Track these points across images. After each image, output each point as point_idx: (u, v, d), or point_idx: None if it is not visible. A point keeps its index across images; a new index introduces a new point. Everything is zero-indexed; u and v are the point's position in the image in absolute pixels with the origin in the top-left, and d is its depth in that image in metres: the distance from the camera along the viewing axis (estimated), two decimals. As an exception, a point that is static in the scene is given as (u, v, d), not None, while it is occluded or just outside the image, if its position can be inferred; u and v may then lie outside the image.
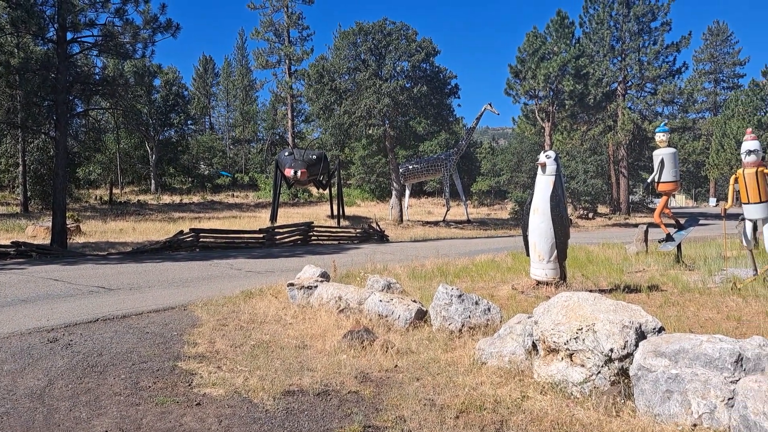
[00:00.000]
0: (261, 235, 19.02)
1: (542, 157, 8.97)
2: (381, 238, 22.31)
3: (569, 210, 39.40)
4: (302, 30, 42.25)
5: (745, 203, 9.86)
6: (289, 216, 30.24)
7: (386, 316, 6.42)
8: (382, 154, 39.55)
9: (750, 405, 3.02)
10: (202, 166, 56.79)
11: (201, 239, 17.22)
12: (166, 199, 39.08)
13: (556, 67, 32.38)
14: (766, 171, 9.71)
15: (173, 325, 6.79)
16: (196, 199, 39.73)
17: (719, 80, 69.96)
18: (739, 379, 3.26)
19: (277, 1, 41.34)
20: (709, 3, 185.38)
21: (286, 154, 26.59)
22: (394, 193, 30.82)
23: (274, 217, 25.44)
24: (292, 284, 7.96)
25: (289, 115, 43.51)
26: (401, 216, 30.83)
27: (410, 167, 34.07)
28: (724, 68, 69.69)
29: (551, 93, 34.42)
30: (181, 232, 17.27)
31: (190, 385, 4.64)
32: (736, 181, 9.96)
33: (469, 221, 34.07)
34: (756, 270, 9.92)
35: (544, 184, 8.89)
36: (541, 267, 8.92)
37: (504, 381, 4.49)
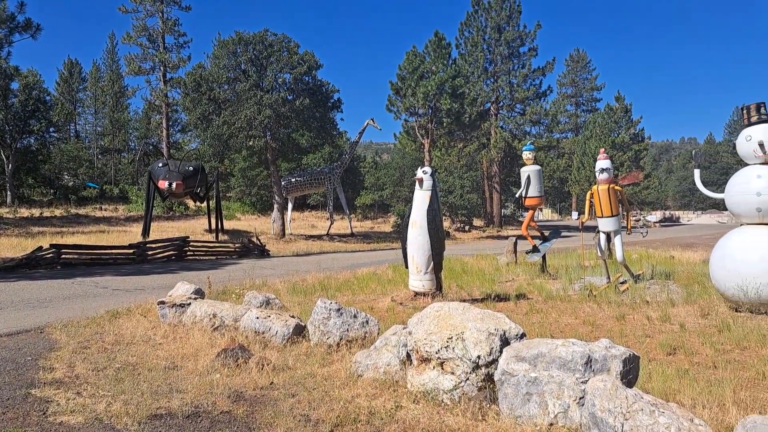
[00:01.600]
0: (131, 251, 17.92)
1: (419, 173, 9.26)
2: (261, 252, 21.86)
3: (447, 223, 41.01)
4: (178, 36, 40.62)
5: (599, 217, 10.79)
6: (163, 230, 28.80)
7: (263, 333, 6.29)
8: (264, 167, 38.90)
9: (597, 403, 3.29)
10: (66, 176, 52.62)
11: (63, 256, 15.88)
12: (24, 212, 35.77)
13: (434, 85, 33.66)
14: (616, 188, 10.70)
15: (27, 350, 6.21)
16: (58, 212, 36.71)
17: (580, 103, 76.31)
18: (589, 379, 3.55)
19: (151, 5, 39.49)
20: (570, 31, 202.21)
21: (161, 165, 25.33)
22: (276, 206, 30.37)
23: (146, 232, 24.09)
24: (163, 302, 7.57)
25: (164, 125, 41.56)
26: (283, 230, 30.42)
27: (293, 180, 33.76)
28: (584, 92, 76.14)
29: (430, 110, 35.72)
30: (39, 248, 15.84)
31: (44, 413, 4.26)
32: (591, 196, 10.88)
33: (352, 235, 34.33)
34: (609, 278, 10.87)
35: (421, 199, 9.18)
36: (418, 278, 9.17)
37: (379, 392, 4.56)
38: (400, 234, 10.10)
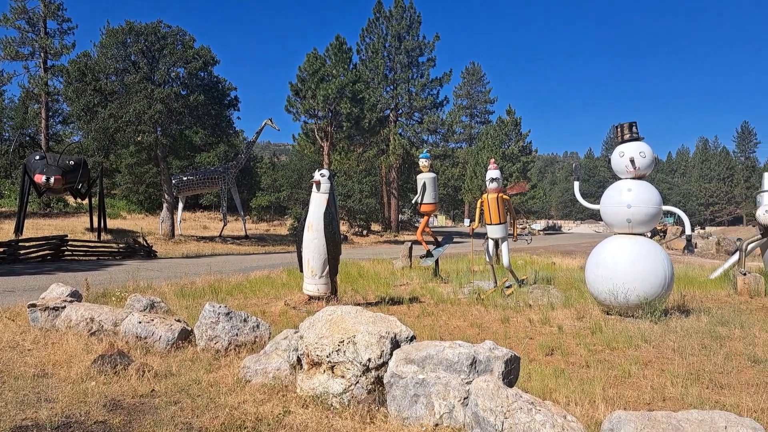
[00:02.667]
0: (1, 250, 16.45)
1: (317, 176, 9.21)
2: (148, 254, 20.79)
3: (344, 227, 41.10)
4: (62, 22, 37.79)
5: (488, 224, 11.25)
6: (39, 228, 26.65)
7: (146, 338, 5.97)
8: (153, 163, 37.05)
9: (480, 402, 3.41)
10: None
11: None
12: None
13: (334, 89, 33.67)
14: (504, 197, 11.20)
15: None
16: None
17: (474, 115, 79.46)
18: (473, 380, 3.68)
19: (32, -14, 36.53)
20: (466, 45, 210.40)
21: (38, 158, 23.39)
22: (165, 205, 28.98)
23: (19, 229, 22.16)
24: (34, 305, 6.99)
25: (43, 115, 38.49)
26: (173, 230, 29.11)
27: (185, 179, 32.44)
28: (478, 104, 79.40)
29: (330, 114, 35.69)
30: None
31: None
32: (482, 204, 11.33)
33: (247, 237, 33.49)
34: (496, 282, 11.36)
35: (318, 202, 9.13)
36: (313, 282, 9.10)
37: (267, 398, 4.46)
38: (296, 237, 9.98)
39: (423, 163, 13.44)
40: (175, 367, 5.27)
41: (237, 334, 5.87)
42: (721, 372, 5.61)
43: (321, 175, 9.17)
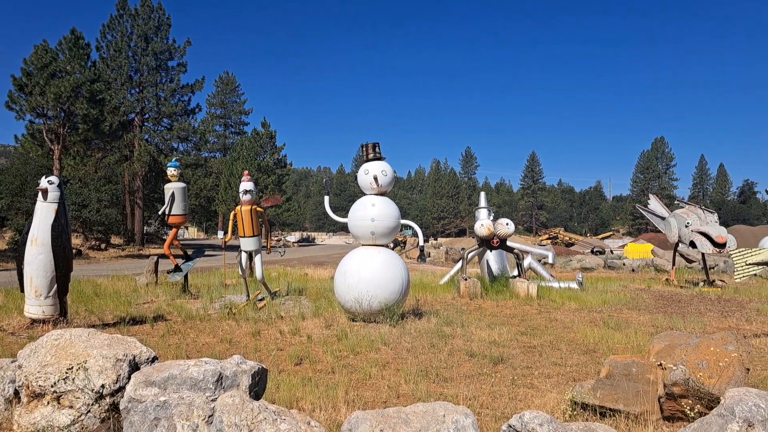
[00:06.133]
0: None
1: (44, 183, 8.18)
2: None
3: (78, 240, 36.86)
4: None
5: (241, 236, 11.15)
6: None
7: None
8: None
9: (225, 419, 3.36)
10: None
11: None
12: None
13: (68, 87, 30.16)
14: (258, 209, 11.23)
15: None
16: None
17: (228, 125, 77.95)
18: (218, 396, 3.61)
19: None
20: (219, 54, 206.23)
21: None
22: None
23: None
24: None
25: None
26: None
27: None
28: (233, 115, 78.12)
29: (62, 114, 31.82)
30: None
31: None
32: (235, 216, 11.19)
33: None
34: (248, 295, 11.29)
35: (45, 212, 8.10)
36: (37, 304, 8.03)
37: (-28, 443, 3.80)
38: (16, 252, 8.69)
39: (171, 171, 12.78)
40: None
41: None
42: (445, 367, 6.37)
43: (49, 182, 8.17)
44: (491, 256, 15.35)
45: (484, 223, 14.05)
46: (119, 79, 42.05)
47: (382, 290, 9.15)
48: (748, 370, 4.68)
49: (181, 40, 45.13)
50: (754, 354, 6.95)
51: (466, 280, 13.12)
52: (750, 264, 8.35)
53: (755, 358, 6.77)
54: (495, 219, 14.90)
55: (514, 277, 14.08)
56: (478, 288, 12.99)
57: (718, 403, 3.57)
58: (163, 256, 14.69)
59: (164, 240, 13.44)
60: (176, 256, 13.24)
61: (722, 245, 15.19)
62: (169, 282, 13.51)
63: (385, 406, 4.88)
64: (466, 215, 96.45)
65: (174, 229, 12.95)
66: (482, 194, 17.67)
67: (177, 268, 12.80)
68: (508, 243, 14.57)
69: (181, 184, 12.75)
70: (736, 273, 8.58)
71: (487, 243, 14.22)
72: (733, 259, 8.65)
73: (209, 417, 3.55)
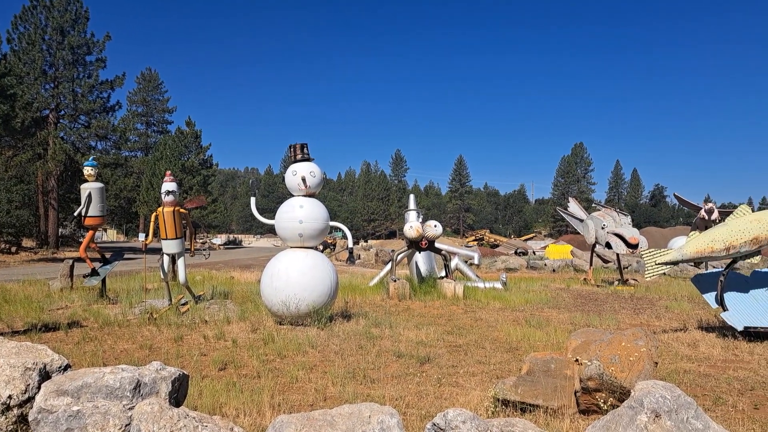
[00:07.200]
0: None
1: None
2: None
3: (-14, 243, 34.52)
4: None
5: (164, 239, 10.77)
6: None
7: None
8: None
9: (143, 427, 3.24)
10: None
11: None
12: None
13: (-25, 79, 28.27)
14: (182, 210, 10.89)
15: None
16: None
17: (151, 123, 75.21)
18: (136, 404, 3.47)
19: None
20: (141, 50, 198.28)
21: None
22: None
23: None
24: None
25: None
26: None
27: None
28: (155, 113, 75.43)
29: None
30: None
31: None
32: (156, 218, 10.79)
33: None
34: (171, 300, 10.93)
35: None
36: (-65, 312, 7.44)
37: None
38: None
39: (89, 171, 12.19)
40: None
41: None
42: (372, 368, 6.40)
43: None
44: (420, 258, 15.57)
45: (413, 225, 14.23)
46: (32, 73, 39.70)
47: (310, 293, 9.08)
48: (657, 363, 4.97)
49: (100, 34, 43.07)
50: (662, 348, 7.39)
51: (395, 281, 13.24)
52: (659, 263, 8.86)
53: (663, 352, 7.19)
54: (424, 221, 15.12)
55: (442, 277, 14.33)
56: (407, 289, 13.14)
57: (629, 395, 3.76)
58: (79, 259, 13.99)
59: (80, 243, 12.78)
60: (93, 260, 12.62)
61: (635, 246, 16.06)
62: (86, 287, 12.87)
63: (312, 409, 4.85)
64: (396, 217, 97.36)
65: (91, 232, 12.35)
66: (411, 197, 17.89)
67: (94, 272, 12.23)
68: (436, 244, 14.82)
69: (99, 184, 12.19)
70: (646, 272, 9.08)
71: (415, 245, 14.40)
72: (644, 259, 9.15)
73: (126, 426, 3.41)
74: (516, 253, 44.09)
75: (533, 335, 8.32)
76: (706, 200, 18.11)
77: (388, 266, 15.80)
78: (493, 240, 67.64)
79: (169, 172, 11.36)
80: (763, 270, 9.10)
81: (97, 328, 8.74)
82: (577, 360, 4.97)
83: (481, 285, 14.95)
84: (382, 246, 47.66)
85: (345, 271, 21.58)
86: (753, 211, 8.73)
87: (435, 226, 14.18)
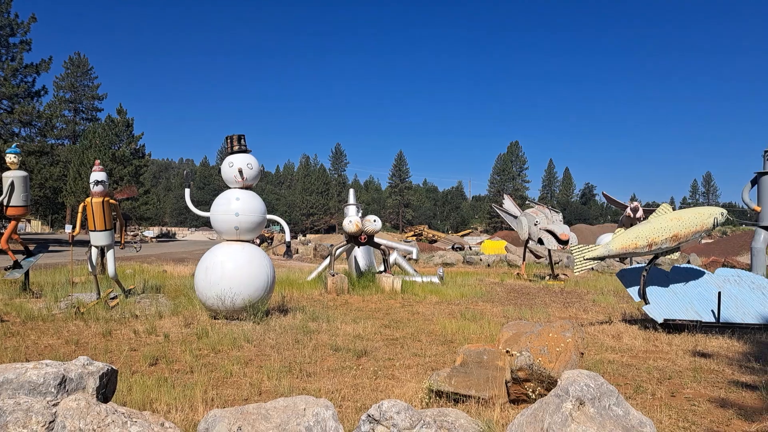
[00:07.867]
0: None
1: None
2: None
3: None
4: None
5: (92, 230, 10.36)
6: None
7: None
8: None
9: (68, 424, 3.13)
10: None
11: None
12: None
13: None
14: (112, 201, 10.51)
15: None
16: None
17: (79, 110, 71.91)
18: (62, 401, 3.35)
19: None
20: (70, 36, 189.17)
21: None
22: None
23: None
24: None
25: None
26: None
27: None
28: (84, 99, 72.15)
29: None
30: None
31: None
32: (84, 209, 10.36)
33: None
34: (99, 294, 10.53)
35: None
36: None
37: None
38: None
39: (11, 158, 11.58)
40: None
41: None
42: (309, 362, 6.39)
43: None
44: (359, 252, 15.61)
45: (352, 219, 14.25)
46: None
47: (246, 287, 8.96)
48: (582, 354, 5.20)
49: (25, 15, 40.83)
50: (589, 340, 7.72)
51: (333, 276, 13.23)
52: (587, 259, 9.24)
53: (589, 343, 7.52)
54: (363, 216, 15.16)
55: (381, 272, 14.43)
56: (345, 284, 13.15)
57: (557, 384, 3.92)
58: (1, 251, 13.27)
59: (2, 234, 12.13)
60: (15, 252, 12.00)
61: (566, 242, 16.67)
62: (7, 280, 12.22)
63: (246, 403, 4.81)
64: (336, 212, 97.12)
65: (13, 222, 11.74)
66: (351, 191, 17.91)
67: (16, 265, 11.64)
68: (376, 239, 14.90)
69: (22, 173, 11.60)
70: (575, 267, 9.45)
71: (355, 239, 14.43)
72: (573, 254, 9.52)
73: (50, 423, 3.28)
74: (453, 248, 44.91)
75: (468, 328, 8.51)
76: (632, 199, 19.00)
77: (327, 261, 15.77)
78: (431, 235, 68.59)
79: (98, 162, 10.93)
80: (683, 266, 9.65)
81: (20, 323, 8.33)
82: (508, 351, 5.13)
83: (418, 279, 15.15)
84: (320, 240, 47.42)
85: (282, 266, 21.39)
86: (674, 209, 9.22)
87: (374, 220, 14.26)
